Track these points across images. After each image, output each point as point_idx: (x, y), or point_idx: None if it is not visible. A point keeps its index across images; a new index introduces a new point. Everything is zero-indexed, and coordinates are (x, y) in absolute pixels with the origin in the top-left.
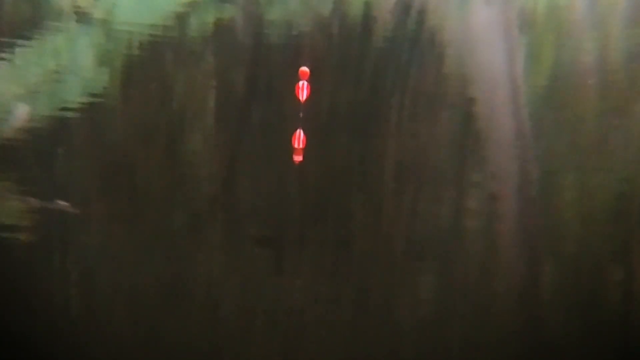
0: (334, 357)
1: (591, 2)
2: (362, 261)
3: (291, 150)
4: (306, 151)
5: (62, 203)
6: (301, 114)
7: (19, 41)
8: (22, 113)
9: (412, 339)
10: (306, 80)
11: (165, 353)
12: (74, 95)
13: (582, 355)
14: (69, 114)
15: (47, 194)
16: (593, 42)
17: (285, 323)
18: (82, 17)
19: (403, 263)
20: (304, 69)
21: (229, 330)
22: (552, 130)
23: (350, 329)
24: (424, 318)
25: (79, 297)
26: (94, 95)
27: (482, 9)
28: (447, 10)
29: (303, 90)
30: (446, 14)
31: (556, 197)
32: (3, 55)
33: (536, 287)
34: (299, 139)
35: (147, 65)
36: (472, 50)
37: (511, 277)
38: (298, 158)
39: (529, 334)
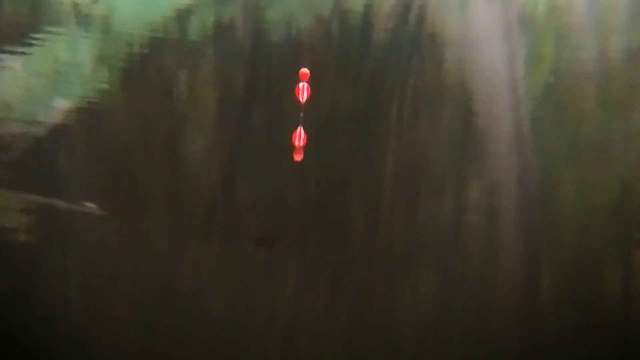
0: (333, 357)
1: (591, 2)
2: (362, 261)
3: (291, 150)
4: (306, 151)
5: (90, 205)
6: (301, 114)
7: (19, 42)
8: (60, 106)
9: (411, 340)
10: (306, 82)
11: (165, 353)
12: (74, 95)
13: (582, 355)
14: (69, 114)
15: (47, 195)
16: (593, 42)
17: (284, 323)
18: (81, 17)
19: (403, 262)
20: (305, 70)
21: (228, 330)
22: (552, 129)
23: (350, 329)
24: (424, 318)
25: (78, 297)
26: (94, 95)
27: (482, 9)
28: (447, 10)
29: (303, 92)
30: (446, 13)
31: (556, 197)
32: (3, 56)
33: (536, 286)
34: (300, 137)
35: (147, 65)
36: (472, 50)
37: (511, 277)
38: (299, 156)
39: (529, 334)
